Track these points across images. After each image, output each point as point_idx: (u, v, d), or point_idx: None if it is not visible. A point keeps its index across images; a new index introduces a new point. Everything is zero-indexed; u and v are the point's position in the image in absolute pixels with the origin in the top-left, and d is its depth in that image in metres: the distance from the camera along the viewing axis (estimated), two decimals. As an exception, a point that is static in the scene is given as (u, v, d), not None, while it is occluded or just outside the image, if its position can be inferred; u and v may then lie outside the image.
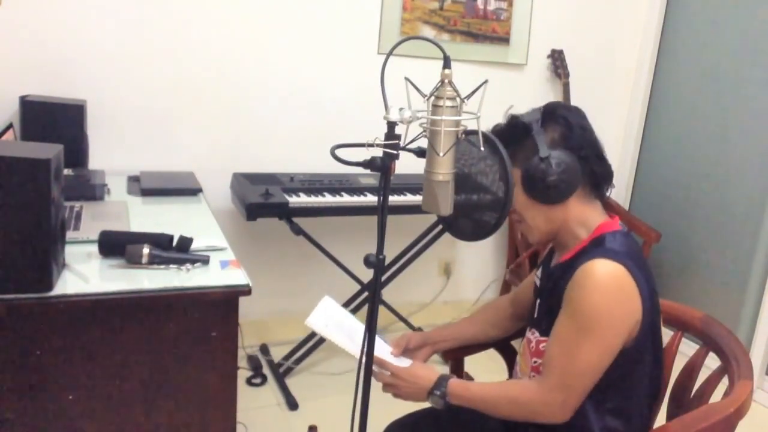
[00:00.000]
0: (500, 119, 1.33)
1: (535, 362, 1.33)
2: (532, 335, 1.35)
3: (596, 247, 1.23)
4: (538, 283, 1.43)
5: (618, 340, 1.18)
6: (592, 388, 1.21)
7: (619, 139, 3.57)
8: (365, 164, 1.08)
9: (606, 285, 1.16)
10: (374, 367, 1.35)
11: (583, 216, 1.28)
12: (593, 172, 1.25)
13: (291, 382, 2.56)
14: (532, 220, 1.30)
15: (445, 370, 1.48)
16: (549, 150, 1.21)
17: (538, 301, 1.38)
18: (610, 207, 1.34)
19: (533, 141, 1.23)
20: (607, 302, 1.16)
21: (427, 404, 1.49)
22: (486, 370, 2.21)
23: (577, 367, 1.19)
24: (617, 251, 1.20)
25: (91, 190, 2.05)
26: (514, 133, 1.26)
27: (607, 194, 1.31)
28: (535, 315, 1.37)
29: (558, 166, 1.21)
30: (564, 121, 1.25)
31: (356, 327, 1.48)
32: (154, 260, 1.49)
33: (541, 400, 1.22)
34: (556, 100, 1.81)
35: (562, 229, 1.30)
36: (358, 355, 1.35)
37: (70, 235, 1.61)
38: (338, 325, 1.46)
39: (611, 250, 1.20)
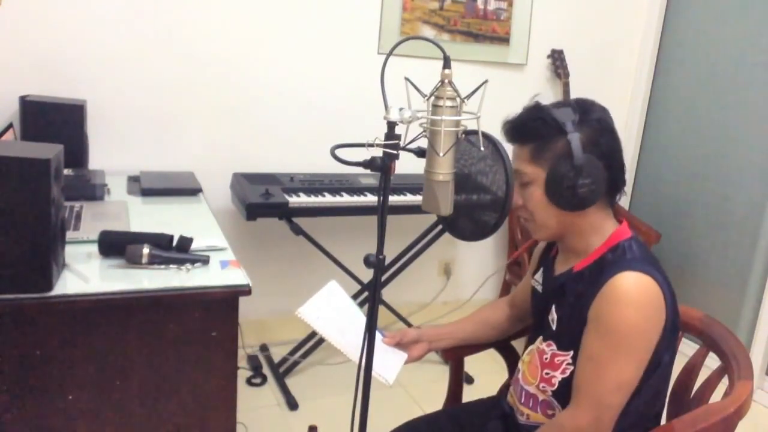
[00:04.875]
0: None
1: (546, 374, 1.30)
2: (548, 347, 1.31)
3: (616, 256, 1.20)
4: (539, 288, 1.39)
5: (649, 353, 1.17)
6: (624, 403, 1.18)
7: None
8: (365, 164, 1.08)
9: (638, 300, 1.13)
10: (375, 373, 1.34)
11: (598, 224, 1.24)
12: (614, 180, 1.21)
13: (291, 382, 2.56)
14: (544, 221, 1.25)
15: (445, 369, 1.48)
16: (582, 157, 1.15)
17: (553, 310, 1.32)
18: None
19: (565, 143, 1.16)
20: (639, 318, 1.13)
21: (421, 413, 1.49)
22: (486, 370, 2.21)
23: (612, 384, 1.16)
24: (641, 260, 1.17)
25: (91, 190, 2.05)
26: (544, 128, 1.19)
27: (618, 200, 1.28)
28: (554, 328, 1.31)
29: (589, 176, 1.15)
30: (597, 124, 1.19)
31: (356, 319, 1.45)
32: (154, 260, 1.49)
33: (575, 424, 1.19)
34: (554, 100, 1.78)
35: (574, 234, 1.26)
36: (346, 352, 1.33)
37: (70, 235, 1.61)
38: (335, 316, 1.42)
39: (635, 260, 1.18)
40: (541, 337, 1.35)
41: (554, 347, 1.30)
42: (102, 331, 1.39)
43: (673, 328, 1.22)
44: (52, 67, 2.42)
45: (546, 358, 1.31)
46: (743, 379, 1.20)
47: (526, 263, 3.00)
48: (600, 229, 1.25)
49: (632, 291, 1.13)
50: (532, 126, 1.21)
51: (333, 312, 1.43)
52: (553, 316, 1.32)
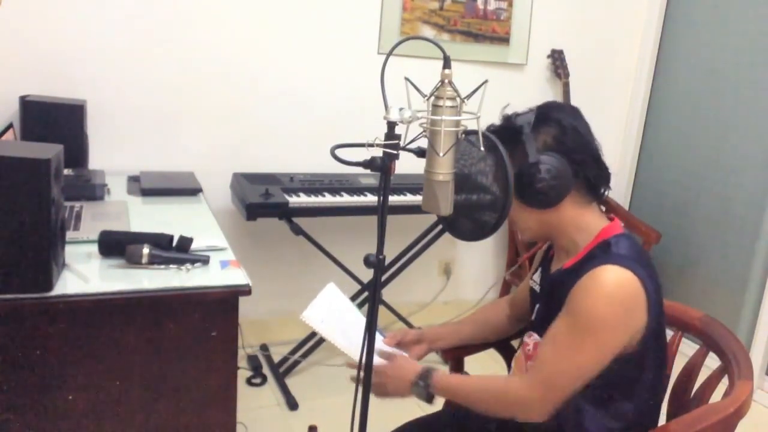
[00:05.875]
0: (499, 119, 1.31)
1: (531, 365, 1.32)
2: (530, 338, 1.34)
3: (603, 252, 1.21)
4: (537, 288, 1.41)
5: (614, 349, 1.17)
6: (576, 391, 1.20)
7: (619, 139, 3.57)
8: (365, 164, 1.08)
9: (612, 293, 1.14)
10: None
11: (579, 220, 1.26)
12: (587, 176, 1.23)
13: (291, 382, 2.56)
14: (524, 222, 1.29)
15: (444, 369, 1.48)
16: (538, 155, 1.19)
17: (537, 305, 1.37)
18: (610, 207, 1.32)
19: (524, 145, 1.21)
20: (608, 311, 1.14)
21: (421, 413, 1.49)
22: (486, 369, 2.20)
23: (566, 368, 1.18)
24: (625, 256, 1.18)
25: (91, 190, 2.05)
26: (507, 134, 1.23)
27: (604, 195, 1.29)
28: (533, 317, 1.35)
29: (547, 172, 1.19)
30: (557, 123, 1.23)
31: (356, 320, 1.46)
32: (154, 260, 1.49)
33: (523, 396, 1.22)
34: (556, 99, 1.79)
35: (557, 232, 1.28)
36: (352, 355, 1.35)
37: (70, 235, 1.61)
38: (337, 319, 1.43)
39: (619, 255, 1.18)
40: (527, 332, 1.38)
41: (535, 337, 1.32)
42: (102, 331, 1.39)
43: (659, 328, 1.22)
44: (52, 67, 2.42)
45: (529, 350, 1.33)
46: (743, 379, 1.20)
47: (527, 265, 3.00)
48: (585, 227, 1.26)
49: (608, 284, 1.14)
50: (500, 134, 1.24)
51: (335, 315, 1.44)
52: (537, 309, 1.35)
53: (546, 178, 1.19)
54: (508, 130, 1.24)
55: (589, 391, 1.21)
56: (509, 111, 1.29)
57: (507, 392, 1.25)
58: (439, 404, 1.62)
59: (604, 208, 1.33)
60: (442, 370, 1.36)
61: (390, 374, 1.34)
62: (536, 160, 1.19)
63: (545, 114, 1.24)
